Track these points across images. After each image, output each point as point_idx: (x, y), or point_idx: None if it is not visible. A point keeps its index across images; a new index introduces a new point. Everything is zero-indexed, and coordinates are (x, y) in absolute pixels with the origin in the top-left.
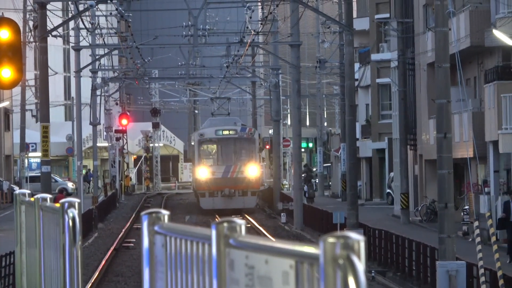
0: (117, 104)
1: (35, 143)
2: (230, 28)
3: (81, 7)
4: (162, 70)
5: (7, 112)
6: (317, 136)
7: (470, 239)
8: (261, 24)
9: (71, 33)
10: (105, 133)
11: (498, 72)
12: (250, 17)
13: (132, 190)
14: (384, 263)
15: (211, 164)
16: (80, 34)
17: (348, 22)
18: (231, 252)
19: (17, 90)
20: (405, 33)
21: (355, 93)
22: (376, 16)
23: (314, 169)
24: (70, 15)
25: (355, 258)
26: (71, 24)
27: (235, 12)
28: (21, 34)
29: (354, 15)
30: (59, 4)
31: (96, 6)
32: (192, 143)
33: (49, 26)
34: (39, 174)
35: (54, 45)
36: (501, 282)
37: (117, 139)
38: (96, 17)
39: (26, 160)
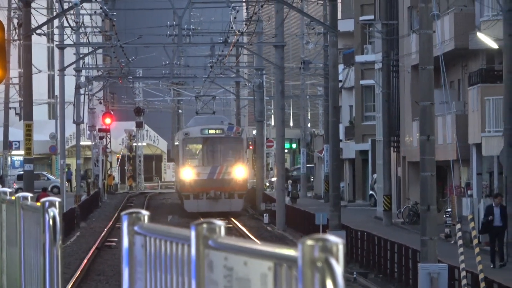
0: (100, 103)
1: (18, 141)
2: (215, 28)
3: (65, 6)
4: (146, 69)
5: None
6: (300, 137)
7: (452, 242)
8: (245, 24)
9: (56, 31)
10: (88, 132)
11: (482, 75)
12: (235, 18)
13: (115, 189)
14: (366, 265)
15: (196, 165)
16: (65, 33)
17: (332, 24)
18: (210, 253)
19: (0, 88)
20: (390, 35)
21: (339, 94)
22: (361, 18)
23: (293, 170)
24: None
25: (333, 261)
26: (56, 22)
27: (220, 12)
28: (5, 32)
29: (339, 16)
30: (43, 2)
31: (81, 5)
32: (177, 143)
33: (34, 24)
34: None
35: (38, 43)
36: (482, 285)
37: (101, 138)
38: (81, 16)
39: (9, 158)
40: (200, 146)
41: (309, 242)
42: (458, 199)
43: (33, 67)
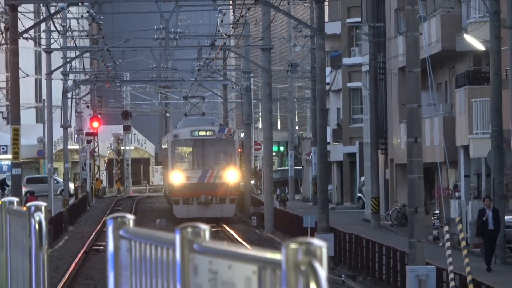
0: (88, 106)
1: (6, 145)
2: (202, 31)
3: (52, 10)
4: (134, 73)
5: None
6: (288, 139)
7: (440, 244)
8: (232, 27)
9: (43, 35)
10: (76, 136)
11: (469, 77)
12: (222, 21)
13: (103, 193)
14: (355, 267)
15: (186, 168)
16: (52, 37)
17: (319, 26)
18: (195, 257)
19: None
20: (377, 38)
21: (326, 97)
22: (348, 20)
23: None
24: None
25: (317, 264)
26: (43, 26)
27: (207, 15)
28: None
29: (326, 19)
30: (30, 6)
31: (68, 9)
32: (165, 145)
33: (20, 28)
34: (41, 176)
35: (25, 47)
36: (470, 287)
37: (88, 141)
38: (68, 20)
39: None
40: (190, 148)
41: (293, 245)
42: (446, 201)
43: (20, 71)
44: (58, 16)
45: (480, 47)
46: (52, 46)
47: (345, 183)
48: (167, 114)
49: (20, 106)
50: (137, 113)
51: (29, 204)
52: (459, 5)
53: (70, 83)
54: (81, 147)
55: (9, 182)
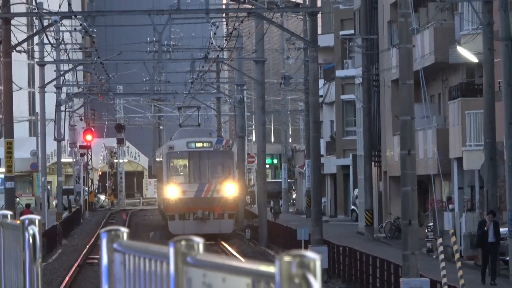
0: (81, 119)
1: None
2: (195, 44)
3: (45, 23)
4: (127, 85)
5: None
6: (281, 152)
7: (434, 256)
8: (225, 40)
9: (36, 48)
10: (69, 149)
11: (462, 89)
12: (215, 33)
13: (101, 205)
14: (348, 280)
15: (181, 182)
16: (45, 50)
17: (312, 39)
18: (189, 270)
19: None
20: (370, 50)
21: (319, 109)
22: (341, 33)
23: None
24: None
25: (311, 277)
26: (36, 39)
27: (200, 28)
28: None
29: (319, 31)
30: (23, 19)
31: (61, 22)
32: (160, 158)
33: (14, 41)
34: (71, 187)
35: (19, 60)
36: None
37: (82, 155)
38: (61, 33)
39: None
40: (186, 161)
41: (287, 258)
42: (439, 213)
43: (13, 84)
44: (51, 29)
45: (473, 59)
46: (45, 59)
47: (339, 195)
48: (161, 127)
49: (14, 119)
50: (130, 126)
51: (23, 217)
52: (452, 17)
53: (63, 96)
54: (74, 160)
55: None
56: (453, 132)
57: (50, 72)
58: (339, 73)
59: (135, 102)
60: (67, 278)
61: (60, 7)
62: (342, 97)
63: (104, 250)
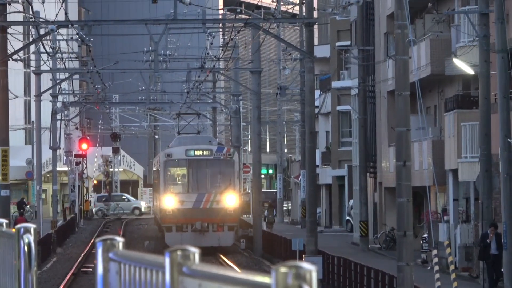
0: (77, 128)
1: None
2: (191, 53)
3: (42, 31)
4: (123, 95)
5: None
6: (277, 162)
7: (429, 267)
8: (222, 50)
9: (32, 57)
10: (65, 158)
11: (458, 101)
12: (211, 43)
13: (91, 214)
14: None
15: (179, 192)
16: (41, 58)
17: (309, 49)
18: (184, 280)
19: None
20: (366, 61)
21: (315, 120)
22: (337, 44)
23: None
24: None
25: None
26: (32, 48)
27: (196, 38)
28: None
29: (315, 42)
30: (20, 28)
31: (57, 31)
32: (157, 166)
33: (10, 49)
34: (106, 194)
35: (15, 68)
36: None
37: (77, 163)
38: (57, 41)
39: None
40: (185, 169)
41: (283, 269)
42: (434, 224)
43: (9, 92)
44: (48, 38)
45: (469, 71)
46: (42, 68)
47: (334, 206)
48: (156, 136)
49: (9, 128)
50: (126, 135)
51: (18, 226)
52: (448, 29)
53: (59, 104)
54: (69, 168)
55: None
56: (449, 143)
57: (46, 80)
58: (335, 84)
59: (131, 111)
60: (61, 287)
61: (56, 16)
62: (338, 108)
63: (100, 259)
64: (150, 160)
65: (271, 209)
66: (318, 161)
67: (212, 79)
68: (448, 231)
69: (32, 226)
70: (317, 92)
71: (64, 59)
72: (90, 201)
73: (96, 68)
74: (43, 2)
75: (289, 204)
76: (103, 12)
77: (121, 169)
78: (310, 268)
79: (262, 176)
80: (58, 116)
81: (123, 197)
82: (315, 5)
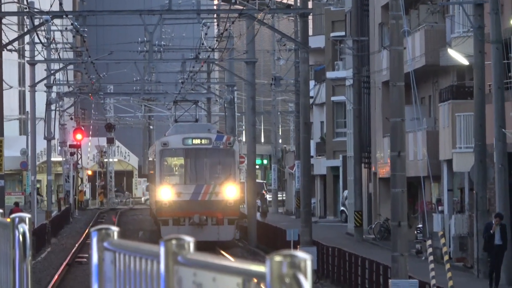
0: (71, 119)
1: None
2: (186, 44)
3: (36, 22)
4: (117, 85)
5: None
6: (271, 153)
7: (423, 258)
8: (216, 40)
9: (27, 47)
10: (59, 148)
11: (453, 91)
12: (206, 34)
13: (86, 205)
14: (337, 281)
15: (176, 183)
16: (36, 49)
17: (303, 40)
18: (179, 270)
19: None
20: (360, 52)
21: (310, 110)
22: (332, 34)
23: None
24: (25, 29)
25: (301, 277)
26: (27, 38)
27: (191, 28)
28: None
29: (310, 33)
30: (14, 19)
31: (52, 21)
32: (152, 156)
33: (4, 40)
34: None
35: (9, 59)
36: None
37: (72, 154)
38: (52, 32)
39: None
40: (182, 159)
41: (277, 258)
42: (429, 215)
43: (4, 83)
44: (42, 28)
45: (464, 61)
46: (36, 58)
47: (328, 196)
48: (151, 127)
49: (4, 118)
50: (120, 125)
51: (13, 215)
52: (443, 19)
53: (53, 95)
54: (64, 159)
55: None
56: (443, 134)
57: (40, 71)
58: (329, 74)
59: (126, 101)
60: (56, 277)
61: (51, 6)
62: (333, 98)
63: (95, 249)
64: (144, 150)
65: (264, 199)
66: (312, 151)
67: (206, 69)
68: (442, 221)
69: (27, 216)
70: (311, 83)
71: (58, 50)
72: (85, 191)
73: (90, 59)
74: None
75: (284, 195)
76: (97, 2)
77: (115, 160)
78: (305, 257)
79: (257, 166)
80: (53, 107)
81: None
82: None
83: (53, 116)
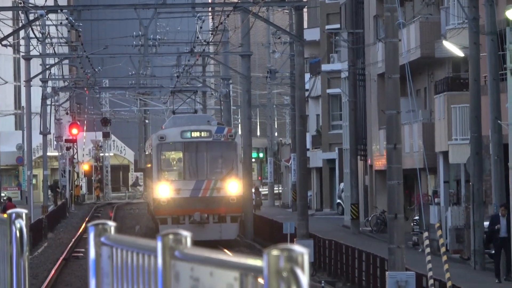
0: (67, 113)
1: None
2: (181, 38)
3: (31, 16)
4: (113, 79)
5: None
6: (267, 146)
7: (420, 250)
8: (211, 34)
9: (22, 42)
10: (55, 143)
11: (448, 83)
12: (201, 27)
13: (82, 199)
14: (334, 274)
15: (175, 179)
16: (31, 43)
17: (298, 33)
18: (177, 264)
19: None
20: (356, 44)
21: (305, 103)
22: (327, 27)
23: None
24: (20, 24)
25: (298, 271)
26: (22, 33)
27: (186, 22)
28: None
29: (305, 25)
30: (9, 13)
31: (47, 16)
32: (148, 151)
33: None
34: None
35: (4, 54)
36: None
37: (67, 148)
38: (47, 27)
39: None
40: (181, 153)
41: (275, 252)
42: (425, 207)
43: None
44: (37, 23)
45: (459, 53)
46: (31, 53)
47: (325, 189)
48: (146, 121)
49: None
50: (116, 119)
51: (10, 211)
52: (438, 11)
53: (49, 90)
54: (60, 154)
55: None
56: (439, 126)
57: (36, 66)
58: (325, 67)
59: (121, 96)
60: (52, 272)
61: (46, 1)
62: (328, 91)
63: (92, 244)
64: (140, 144)
65: (257, 191)
66: (308, 144)
67: (202, 63)
68: (439, 213)
69: (23, 211)
70: (307, 76)
71: (53, 44)
72: (81, 186)
73: (85, 53)
74: None
75: (280, 188)
76: None
77: (111, 154)
78: (302, 251)
79: (253, 160)
80: (48, 101)
81: None
82: None
83: (48, 111)
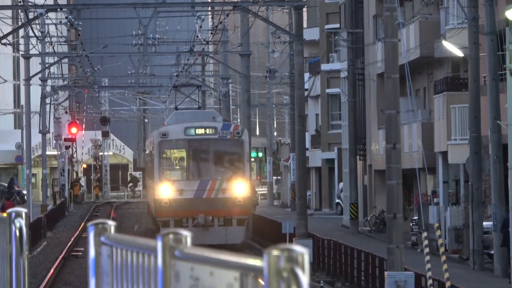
0: (66, 112)
1: None
2: (180, 37)
3: (31, 15)
4: (112, 78)
5: None
6: (266, 145)
7: (419, 250)
8: (211, 33)
9: (21, 41)
10: (54, 142)
11: (448, 83)
12: (200, 27)
13: (81, 198)
14: (333, 273)
15: (177, 179)
16: (30, 42)
17: (298, 32)
18: (177, 264)
19: None
20: (355, 44)
21: (304, 103)
22: (326, 26)
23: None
24: (20, 23)
25: (299, 271)
26: (21, 32)
27: (185, 21)
28: None
29: (304, 25)
30: (8, 12)
31: (46, 14)
32: (149, 149)
33: None
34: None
35: (4, 53)
36: None
37: (67, 147)
38: (46, 25)
39: None
40: (184, 151)
41: (275, 252)
42: (424, 207)
43: None
44: (37, 22)
45: (459, 53)
46: (31, 52)
47: (324, 189)
48: (146, 120)
49: None
50: (115, 119)
51: (9, 210)
52: (437, 11)
53: (48, 88)
54: (59, 152)
55: None
56: (438, 126)
57: (35, 64)
58: (324, 66)
59: (120, 95)
60: (52, 271)
61: (45, 0)
62: (327, 90)
63: (91, 243)
64: (139, 144)
65: (254, 191)
66: (307, 144)
67: (201, 62)
68: (438, 213)
69: (23, 210)
70: (306, 75)
71: (53, 43)
72: (81, 184)
73: (85, 52)
74: None
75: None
76: None
77: (110, 153)
78: (302, 251)
79: (252, 159)
80: (48, 100)
81: None
82: None
83: (48, 109)
